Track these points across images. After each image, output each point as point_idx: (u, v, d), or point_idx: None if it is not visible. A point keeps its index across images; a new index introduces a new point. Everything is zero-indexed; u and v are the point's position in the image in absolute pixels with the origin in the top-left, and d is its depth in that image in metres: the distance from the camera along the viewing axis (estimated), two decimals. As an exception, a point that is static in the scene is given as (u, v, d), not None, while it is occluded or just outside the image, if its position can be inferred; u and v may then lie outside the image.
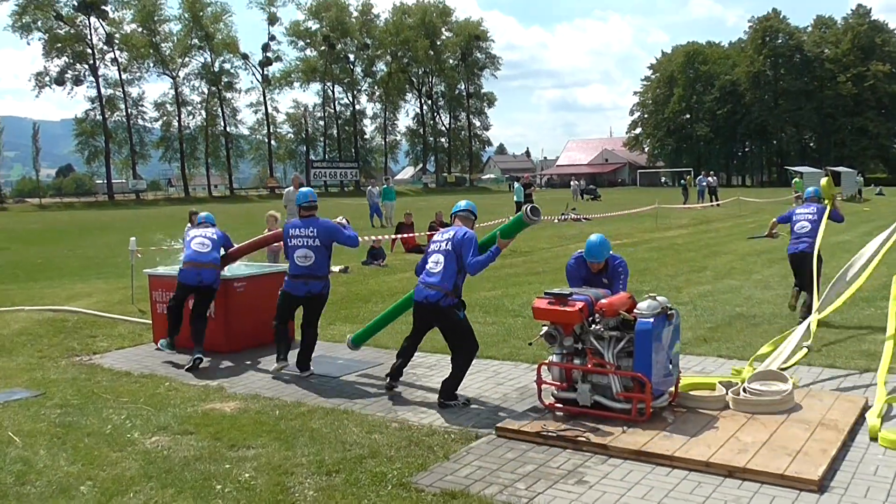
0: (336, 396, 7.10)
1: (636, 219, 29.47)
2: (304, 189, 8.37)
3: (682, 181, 49.48)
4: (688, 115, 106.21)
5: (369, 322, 8.49)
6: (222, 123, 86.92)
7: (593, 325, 5.97)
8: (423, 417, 6.40)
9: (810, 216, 10.19)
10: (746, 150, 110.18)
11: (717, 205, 39.47)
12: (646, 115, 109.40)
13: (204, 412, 6.61)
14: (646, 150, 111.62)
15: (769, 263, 16.05)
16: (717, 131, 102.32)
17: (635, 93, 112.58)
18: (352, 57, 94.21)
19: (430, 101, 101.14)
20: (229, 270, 9.34)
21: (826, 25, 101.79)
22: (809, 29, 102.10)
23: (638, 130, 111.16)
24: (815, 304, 8.53)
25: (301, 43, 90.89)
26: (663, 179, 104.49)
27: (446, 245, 6.67)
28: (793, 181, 43.76)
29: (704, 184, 44.38)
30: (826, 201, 10.27)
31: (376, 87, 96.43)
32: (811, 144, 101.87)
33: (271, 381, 7.78)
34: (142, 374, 8.13)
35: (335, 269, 13.90)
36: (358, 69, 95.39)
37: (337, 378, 7.81)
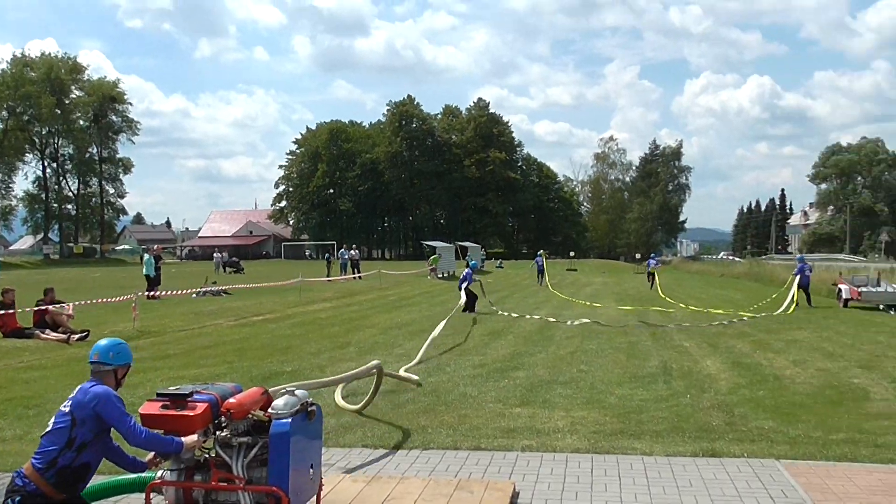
0: None
1: (280, 292, 28.68)
2: None
3: (327, 254, 49.96)
4: (332, 190, 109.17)
5: None
6: None
7: (219, 431, 4.88)
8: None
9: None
10: (386, 224, 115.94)
11: (360, 277, 40.17)
12: (291, 189, 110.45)
13: None
14: (291, 222, 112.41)
15: (411, 336, 16.11)
16: (359, 206, 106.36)
17: (281, 166, 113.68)
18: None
19: (55, 164, 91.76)
20: None
21: (453, 114, 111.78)
22: (440, 116, 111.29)
23: (283, 203, 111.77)
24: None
25: None
26: (308, 252, 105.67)
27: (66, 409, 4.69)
28: (430, 258, 46.23)
29: (347, 257, 45.10)
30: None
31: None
32: (442, 221, 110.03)
33: None
34: None
35: None
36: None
37: None
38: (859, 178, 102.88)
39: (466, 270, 23.45)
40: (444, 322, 16.01)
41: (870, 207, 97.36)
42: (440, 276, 43.42)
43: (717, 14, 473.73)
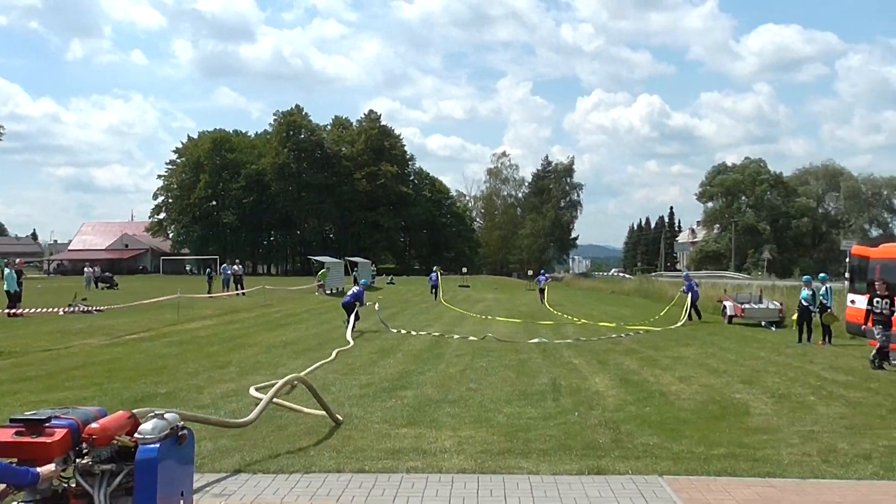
0: None
1: (157, 309, 27.74)
2: None
3: (208, 269, 48.78)
4: (214, 202, 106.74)
5: None
6: None
7: (80, 459, 4.63)
8: None
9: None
10: (272, 238, 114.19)
11: (243, 294, 39.38)
12: (171, 200, 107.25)
13: None
14: (170, 235, 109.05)
15: (296, 355, 15.92)
16: (243, 219, 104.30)
17: (160, 176, 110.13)
18: None
19: None
20: None
21: (343, 126, 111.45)
22: (329, 127, 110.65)
23: (162, 215, 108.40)
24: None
25: None
26: (188, 267, 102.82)
27: None
28: (319, 273, 45.74)
29: (230, 272, 44.17)
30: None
31: None
32: (331, 235, 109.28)
33: None
34: None
35: None
36: None
37: None
38: (743, 198, 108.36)
39: (356, 288, 23.20)
40: (334, 352, 15.85)
41: (753, 226, 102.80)
42: (328, 292, 43.06)
43: (608, 33, 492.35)
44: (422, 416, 9.88)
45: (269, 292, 38.37)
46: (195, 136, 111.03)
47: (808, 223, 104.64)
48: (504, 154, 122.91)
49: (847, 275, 22.16)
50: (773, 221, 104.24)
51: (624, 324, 25.55)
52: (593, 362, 15.41)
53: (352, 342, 18.11)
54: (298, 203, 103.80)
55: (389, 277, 68.79)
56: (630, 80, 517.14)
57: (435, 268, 48.30)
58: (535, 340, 19.67)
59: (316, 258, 56.26)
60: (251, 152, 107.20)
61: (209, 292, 39.28)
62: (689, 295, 26.78)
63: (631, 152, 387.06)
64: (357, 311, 21.90)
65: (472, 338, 20.06)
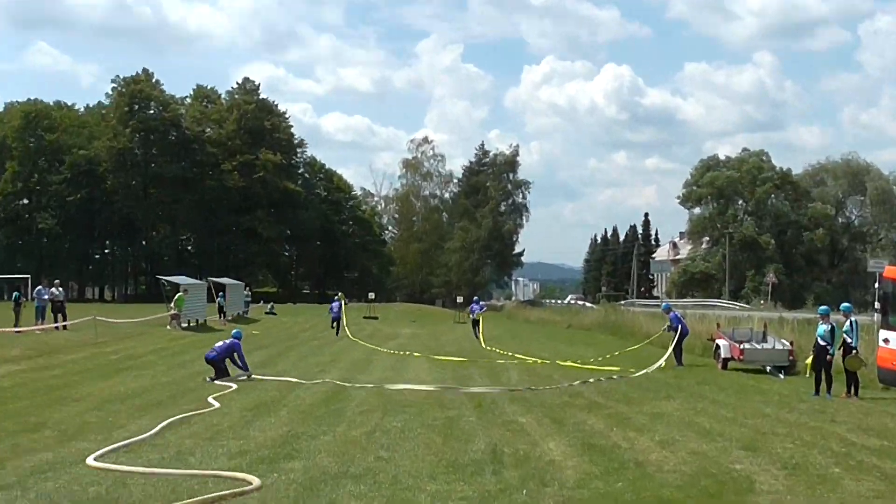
0: None
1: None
2: None
3: (16, 293, 47.48)
4: (27, 200, 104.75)
5: None
6: None
7: None
8: None
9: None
10: (108, 251, 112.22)
11: (65, 327, 38.47)
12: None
13: None
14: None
15: (139, 412, 15.69)
16: (67, 224, 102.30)
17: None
18: None
19: None
20: None
21: (208, 99, 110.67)
22: (189, 101, 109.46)
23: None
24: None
25: None
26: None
27: None
28: (175, 297, 44.49)
29: (47, 297, 43.04)
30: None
31: None
32: (190, 247, 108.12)
33: None
34: None
35: None
36: None
37: None
38: (740, 202, 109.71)
39: (224, 342, 22.59)
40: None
41: (753, 239, 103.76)
42: (185, 324, 42.43)
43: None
44: (314, 498, 9.77)
45: (103, 325, 37.60)
46: (0, 109, 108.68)
47: (825, 236, 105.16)
48: (426, 140, 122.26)
49: (878, 305, 22.61)
50: (780, 233, 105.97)
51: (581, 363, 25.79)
52: (546, 421, 15.47)
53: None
54: (145, 202, 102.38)
55: (269, 305, 68.30)
56: (592, 46, 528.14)
57: (338, 295, 48.43)
58: (469, 390, 19.66)
59: (168, 279, 55.27)
60: (79, 132, 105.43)
61: (16, 325, 38.27)
62: (678, 332, 27.12)
63: (593, 140, 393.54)
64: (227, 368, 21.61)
65: (385, 386, 20.04)
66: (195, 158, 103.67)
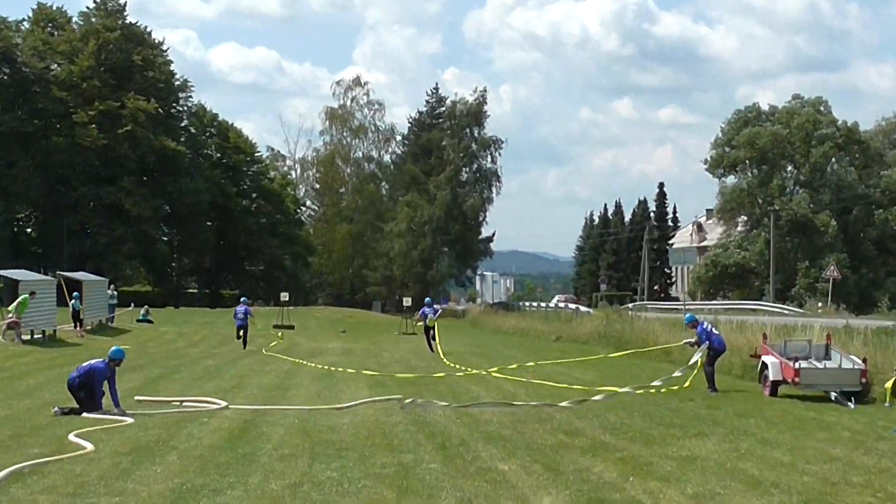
0: None
1: None
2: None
3: None
4: None
5: None
6: None
7: None
8: None
9: None
10: None
11: None
12: None
13: None
14: None
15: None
16: None
17: None
18: None
19: None
20: None
21: (55, 23, 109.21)
22: (26, 26, 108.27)
23: None
24: None
25: None
26: None
27: None
28: (17, 300, 43.88)
29: None
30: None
31: None
32: (30, 230, 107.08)
33: None
34: None
35: None
36: None
37: None
38: (790, 168, 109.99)
39: (97, 362, 22.46)
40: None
41: (808, 219, 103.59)
42: (26, 337, 42.11)
43: None
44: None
45: None
46: None
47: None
48: (357, 83, 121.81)
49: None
50: (843, 211, 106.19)
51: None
52: (535, 468, 15.48)
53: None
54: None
55: (143, 309, 67.80)
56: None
57: (244, 298, 48.88)
58: (428, 421, 19.68)
59: (3, 273, 54.86)
60: None
61: None
62: (706, 346, 27.13)
63: (587, 83, 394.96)
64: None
65: (313, 421, 20.00)
66: (36, 106, 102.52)
